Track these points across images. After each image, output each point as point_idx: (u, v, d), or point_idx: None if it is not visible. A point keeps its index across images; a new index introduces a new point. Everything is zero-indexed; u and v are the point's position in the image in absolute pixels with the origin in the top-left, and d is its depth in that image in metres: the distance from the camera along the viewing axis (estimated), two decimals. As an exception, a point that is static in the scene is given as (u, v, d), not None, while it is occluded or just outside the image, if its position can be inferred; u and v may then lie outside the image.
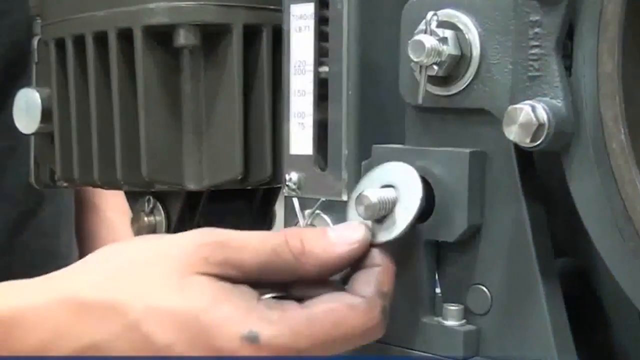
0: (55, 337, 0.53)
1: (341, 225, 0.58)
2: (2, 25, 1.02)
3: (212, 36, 0.71)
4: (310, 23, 0.65)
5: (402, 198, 0.56)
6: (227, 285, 0.52)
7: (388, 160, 0.58)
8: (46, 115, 0.81)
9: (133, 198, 0.80)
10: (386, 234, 0.56)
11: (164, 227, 0.78)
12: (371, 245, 0.56)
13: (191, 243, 0.54)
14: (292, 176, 0.66)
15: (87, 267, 0.56)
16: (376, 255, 0.55)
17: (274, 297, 0.55)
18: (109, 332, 0.52)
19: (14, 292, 0.55)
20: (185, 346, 0.51)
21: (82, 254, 1.14)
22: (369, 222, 0.56)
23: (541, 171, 0.57)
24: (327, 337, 0.52)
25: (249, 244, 0.54)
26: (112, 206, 1.16)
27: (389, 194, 0.56)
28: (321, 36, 0.65)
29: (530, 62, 0.53)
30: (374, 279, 0.54)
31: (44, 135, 0.83)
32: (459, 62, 0.56)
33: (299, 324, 0.52)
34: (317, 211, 0.65)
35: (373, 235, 0.56)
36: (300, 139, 0.66)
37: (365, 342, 0.54)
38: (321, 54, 0.65)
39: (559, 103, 0.52)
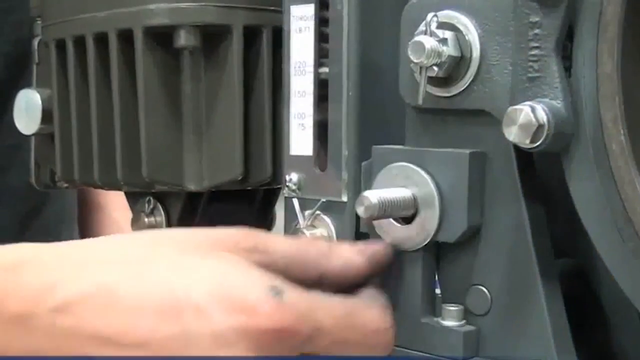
0: (66, 275, 0.51)
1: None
2: (6, 23, 1.02)
3: (212, 37, 0.71)
4: (311, 24, 0.65)
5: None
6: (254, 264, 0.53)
7: (389, 161, 0.59)
8: (46, 116, 0.81)
9: (133, 199, 0.80)
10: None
11: (164, 228, 0.78)
12: None
13: (225, 230, 0.55)
14: (292, 177, 0.66)
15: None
16: None
17: None
18: (125, 274, 0.51)
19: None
20: (205, 294, 0.50)
21: None
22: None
23: (541, 172, 0.57)
24: (345, 321, 0.53)
25: (278, 237, 0.57)
26: (117, 206, 1.16)
27: (393, 194, 0.56)
28: (321, 37, 0.65)
29: (530, 63, 0.53)
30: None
31: (44, 135, 0.83)
32: (458, 63, 0.56)
33: (320, 299, 0.53)
34: (317, 212, 0.65)
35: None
36: (300, 139, 0.66)
37: (377, 342, 0.55)
38: (321, 55, 0.65)
39: (558, 104, 0.52)
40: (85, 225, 1.18)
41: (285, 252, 0.55)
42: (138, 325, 0.50)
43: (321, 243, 0.58)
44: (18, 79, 0.94)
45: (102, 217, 1.18)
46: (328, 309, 0.53)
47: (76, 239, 1.13)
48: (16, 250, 0.54)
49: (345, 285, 0.57)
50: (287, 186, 0.66)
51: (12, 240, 0.99)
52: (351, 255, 0.57)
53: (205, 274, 0.51)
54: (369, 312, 0.55)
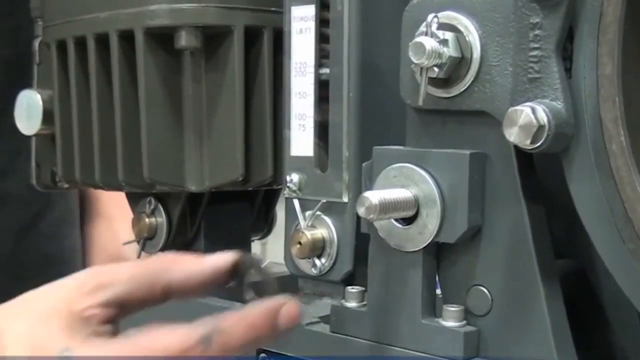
0: None
1: None
2: (5, 28, 1.02)
3: (213, 38, 0.71)
4: (311, 25, 0.65)
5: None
6: (73, 320, 0.56)
7: (389, 162, 0.59)
8: (47, 116, 0.81)
9: (134, 199, 0.80)
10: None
11: (165, 229, 0.78)
12: None
13: (78, 277, 0.59)
14: (293, 177, 0.66)
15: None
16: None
17: None
18: None
19: None
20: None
21: (85, 261, 1.15)
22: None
23: (541, 173, 0.58)
24: (141, 354, 0.54)
25: (122, 266, 0.59)
26: (120, 217, 1.16)
27: (393, 194, 0.57)
28: (322, 38, 0.65)
29: (531, 64, 0.53)
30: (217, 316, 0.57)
31: (45, 136, 0.84)
32: (459, 64, 0.56)
33: (114, 344, 0.55)
34: (318, 212, 0.65)
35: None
36: (301, 140, 0.66)
37: None
38: (322, 56, 0.65)
39: (559, 105, 0.52)
40: (87, 232, 1.18)
41: (127, 278, 0.57)
42: None
43: (164, 258, 0.59)
44: (22, 83, 0.94)
45: (103, 227, 1.18)
46: (122, 350, 0.54)
47: (78, 243, 1.13)
48: None
49: (197, 295, 0.59)
50: (288, 187, 0.66)
51: (15, 245, 0.98)
52: (192, 265, 0.58)
53: (26, 344, 0.56)
54: (169, 336, 0.55)
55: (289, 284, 0.67)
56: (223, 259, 0.58)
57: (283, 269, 0.71)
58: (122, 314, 0.57)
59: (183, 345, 0.54)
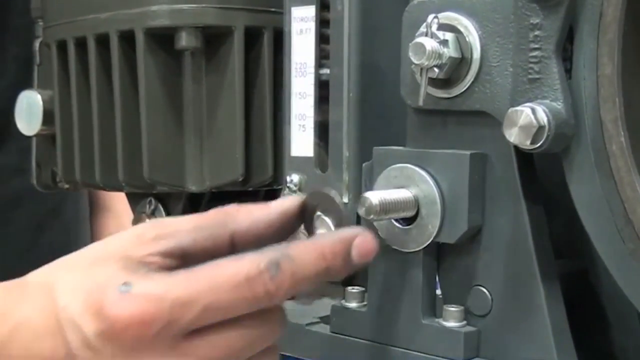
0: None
1: None
2: (25, 22, 1.02)
3: (213, 38, 0.71)
4: (311, 25, 0.65)
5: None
6: (132, 263, 0.54)
7: (390, 162, 0.59)
8: (48, 117, 0.81)
9: (134, 199, 0.80)
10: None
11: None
12: None
13: (126, 233, 0.56)
14: (293, 178, 0.66)
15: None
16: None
17: None
18: (36, 306, 0.55)
19: None
20: (77, 308, 0.53)
21: None
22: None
23: (541, 173, 0.58)
24: (206, 282, 0.52)
25: (182, 217, 0.56)
26: (130, 213, 1.16)
27: (394, 194, 0.57)
28: (322, 38, 0.65)
29: (531, 65, 0.53)
30: (286, 243, 0.54)
31: (45, 136, 0.84)
32: (459, 64, 0.56)
33: (176, 276, 0.53)
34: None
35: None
36: (301, 140, 0.66)
37: (255, 293, 0.52)
38: (322, 56, 0.65)
39: (559, 105, 0.52)
40: (94, 227, 1.18)
41: (190, 228, 0.55)
42: (44, 351, 0.54)
43: (228, 208, 0.56)
44: (30, 82, 0.95)
45: (110, 222, 1.18)
46: (184, 281, 0.52)
47: (89, 239, 1.14)
48: None
49: (265, 243, 0.55)
50: (288, 187, 0.66)
51: (30, 243, 0.98)
52: (257, 212, 0.56)
53: (83, 287, 0.53)
54: (233, 264, 0.52)
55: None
56: (289, 201, 0.56)
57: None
58: (184, 265, 0.53)
59: (250, 272, 0.51)
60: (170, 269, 0.53)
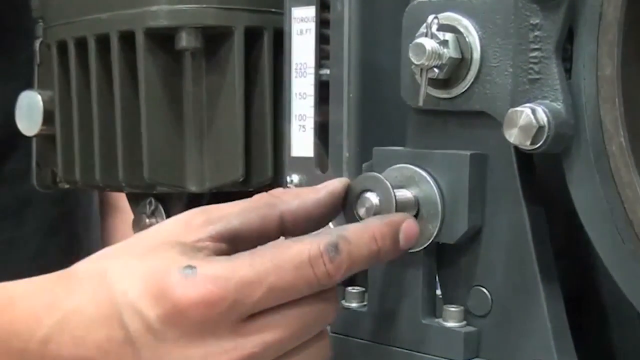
0: (47, 307, 0.55)
1: None
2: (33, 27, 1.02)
3: (213, 39, 0.71)
4: (312, 26, 0.65)
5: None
6: (187, 248, 0.54)
7: (390, 163, 0.59)
8: (48, 117, 0.81)
9: (135, 200, 0.80)
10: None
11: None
12: None
13: (176, 218, 0.57)
14: (294, 178, 0.66)
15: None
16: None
17: None
18: (87, 295, 0.54)
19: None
20: (137, 293, 0.52)
21: None
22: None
23: (541, 173, 0.58)
24: (271, 265, 0.52)
25: (229, 203, 0.57)
26: None
27: (396, 195, 0.57)
28: (322, 39, 0.65)
29: (531, 65, 0.53)
30: (340, 227, 0.55)
31: (45, 137, 0.84)
32: (459, 65, 0.56)
33: (239, 257, 0.53)
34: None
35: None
36: (301, 141, 0.67)
37: (317, 274, 0.53)
38: (322, 57, 0.65)
39: (559, 106, 0.52)
40: (105, 227, 1.18)
41: (238, 211, 0.56)
42: (99, 338, 0.53)
43: (275, 191, 0.58)
44: None
45: (120, 221, 1.18)
46: (248, 262, 0.53)
47: (100, 242, 1.13)
48: (8, 289, 0.57)
49: (313, 225, 0.56)
50: (288, 187, 0.66)
51: (43, 245, 0.98)
52: (306, 193, 0.57)
53: (140, 272, 0.53)
54: (295, 246, 0.53)
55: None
56: (337, 182, 0.57)
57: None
58: (234, 249, 0.54)
59: (312, 253, 0.52)
60: (222, 253, 0.54)
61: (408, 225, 0.55)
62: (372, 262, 0.55)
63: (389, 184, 0.56)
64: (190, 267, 0.52)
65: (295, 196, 0.57)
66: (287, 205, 0.56)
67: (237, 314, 0.52)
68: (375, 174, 0.57)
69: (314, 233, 0.54)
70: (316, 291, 0.54)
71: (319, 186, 0.57)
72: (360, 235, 0.54)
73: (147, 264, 0.53)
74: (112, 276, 0.54)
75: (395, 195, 0.56)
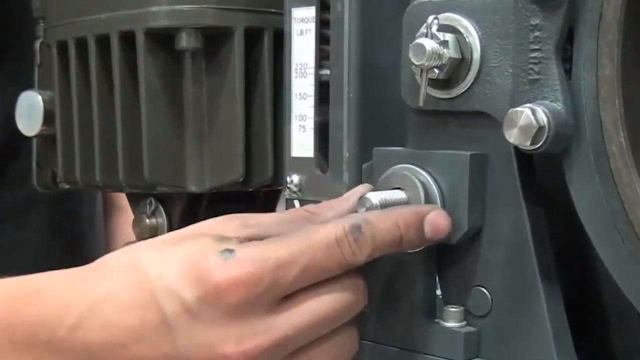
0: (76, 296, 0.55)
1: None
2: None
3: (213, 39, 0.71)
4: (312, 26, 0.65)
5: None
6: (223, 239, 0.55)
7: (390, 163, 0.59)
8: (48, 117, 0.81)
9: (135, 200, 0.80)
10: None
11: (165, 230, 0.78)
12: None
13: (214, 219, 0.58)
14: (294, 178, 0.66)
15: None
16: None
17: None
18: (120, 282, 0.55)
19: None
20: (174, 276, 0.53)
21: None
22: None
23: (541, 173, 0.58)
24: (303, 245, 0.54)
25: (264, 214, 0.59)
26: None
27: (394, 195, 0.57)
28: (322, 39, 0.65)
29: (531, 66, 0.53)
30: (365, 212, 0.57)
31: (46, 137, 0.84)
32: (459, 65, 0.56)
33: (273, 240, 0.55)
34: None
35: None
36: (301, 141, 0.67)
37: (345, 253, 0.54)
38: (322, 57, 0.65)
39: (559, 106, 0.52)
40: (109, 227, 1.18)
41: (274, 221, 0.57)
42: (131, 322, 0.54)
43: (307, 206, 0.60)
44: None
45: (122, 222, 1.18)
46: (282, 244, 0.54)
47: (103, 243, 1.13)
48: (34, 280, 0.58)
49: None
50: (289, 188, 0.66)
51: (47, 245, 0.98)
52: (337, 203, 0.59)
53: (175, 258, 0.54)
54: (322, 228, 0.55)
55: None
56: (365, 188, 0.59)
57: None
58: None
59: (338, 233, 0.54)
60: None
61: (435, 215, 0.56)
62: (395, 248, 0.56)
63: (417, 181, 0.57)
64: (228, 250, 0.53)
65: (328, 208, 0.59)
66: (322, 218, 0.58)
67: (273, 295, 0.54)
68: (405, 172, 0.58)
69: (339, 218, 0.56)
70: (345, 277, 0.56)
71: (348, 195, 0.60)
72: (383, 220, 0.55)
73: (183, 249, 0.54)
74: (147, 263, 0.55)
75: (425, 194, 0.57)
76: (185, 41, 0.70)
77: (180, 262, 0.54)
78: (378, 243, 0.55)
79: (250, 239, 0.55)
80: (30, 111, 0.83)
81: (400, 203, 0.57)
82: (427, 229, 0.56)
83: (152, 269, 0.54)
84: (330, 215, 0.58)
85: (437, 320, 0.59)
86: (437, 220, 0.56)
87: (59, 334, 0.55)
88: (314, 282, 0.55)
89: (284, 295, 0.54)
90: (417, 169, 0.57)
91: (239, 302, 0.53)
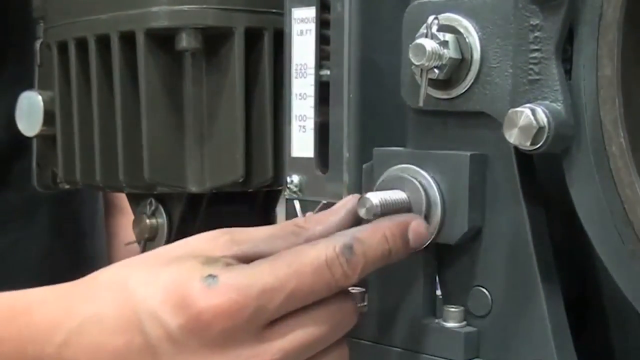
0: (65, 313, 0.55)
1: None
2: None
3: (214, 39, 0.71)
4: (312, 26, 0.65)
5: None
6: (210, 259, 0.55)
7: (390, 163, 0.59)
8: (48, 117, 0.81)
9: (135, 200, 0.80)
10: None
11: (165, 230, 0.78)
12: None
13: (201, 235, 0.57)
14: (294, 179, 0.66)
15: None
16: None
17: None
18: (107, 301, 0.55)
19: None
20: (158, 300, 0.53)
21: (110, 257, 1.15)
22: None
23: (541, 174, 0.58)
24: (289, 268, 0.53)
25: (254, 228, 0.58)
26: None
27: (394, 195, 0.57)
28: (322, 39, 0.65)
29: (531, 66, 0.53)
30: (352, 229, 0.57)
31: (46, 137, 0.84)
32: (459, 65, 0.56)
33: (259, 264, 0.54)
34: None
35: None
36: (301, 141, 0.67)
37: (335, 275, 0.54)
38: (322, 57, 0.65)
39: (558, 106, 0.52)
40: (110, 228, 1.18)
41: (265, 236, 0.57)
42: (117, 345, 0.54)
43: (297, 219, 0.60)
44: None
45: (123, 223, 1.18)
46: (268, 269, 0.53)
47: (104, 244, 1.13)
48: (26, 295, 0.58)
49: None
50: (289, 188, 0.66)
51: (50, 245, 0.98)
52: (326, 216, 0.58)
53: (161, 281, 0.54)
54: (311, 250, 0.54)
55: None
56: (352, 199, 0.58)
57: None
58: None
59: (328, 255, 0.53)
60: None
61: (417, 224, 0.56)
62: (385, 261, 0.56)
63: (417, 182, 0.57)
64: (211, 276, 0.52)
65: (317, 222, 0.58)
66: (311, 232, 0.57)
67: (258, 322, 0.53)
68: (405, 173, 0.58)
69: (329, 237, 0.55)
70: (334, 292, 0.55)
71: (337, 206, 0.59)
72: (372, 235, 0.55)
73: (168, 272, 0.54)
74: (133, 284, 0.54)
75: (425, 194, 0.57)
76: (185, 41, 0.70)
77: (164, 286, 0.53)
78: (369, 260, 0.54)
79: (238, 258, 0.55)
80: (30, 111, 0.83)
81: (401, 203, 0.57)
82: (411, 237, 0.56)
83: (138, 291, 0.54)
84: (318, 230, 0.57)
85: (437, 320, 0.59)
86: (419, 229, 0.56)
87: (48, 351, 0.55)
88: (302, 305, 0.54)
89: (271, 319, 0.53)
90: (417, 169, 0.57)
91: (223, 330, 0.52)
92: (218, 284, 0.52)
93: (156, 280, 0.54)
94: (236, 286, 0.52)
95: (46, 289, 0.57)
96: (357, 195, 0.59)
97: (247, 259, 0.55)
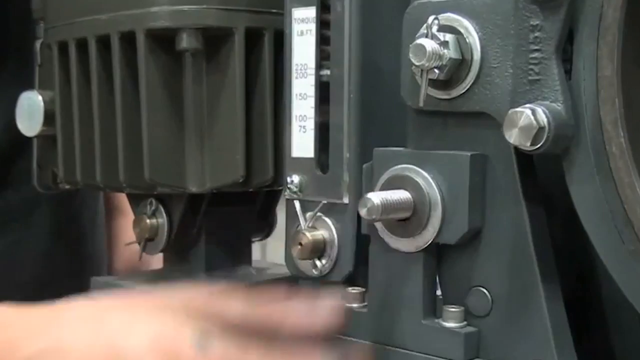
0: (26, 335, 0.55)
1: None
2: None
3: (214, 40, 0.71)
4: (312, 27, 0.65)
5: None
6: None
7: (390, 163, 0.59)
8: (49, 118, 0.81)
9: (135, 201, 0.80)
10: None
11: (165, 230, 0.78)
12: None
13: (186, 295, 0.59)
14: (294, 179, 0.66)
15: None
16: None
17: None
18: (77, 332, 0.55)
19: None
20: (146, 350, 0.54)
21: (110, 257, 1.15)
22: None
23: (541, 174, 0.58)
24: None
25: (235, 297, 0.59)
26: None
27: (395, 195, 0.57)
28: (322, 40, 0.65)
29: (531, 66, 0.53)
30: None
31: (46, 137, 0.84)
32: (459, 65, 0.56)
33: (252, 352, 0.56)
34: (319, 213, 0.65)
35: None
36: (301, 141, 0.67)
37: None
38: (322, 57, 0.65)
39: (559, 106, 0.52)
40: (110, 230, 1.18)
41: (238, 314, 0.58)
42: None
43: (278, 306, 0.60)
44: None
45: (123, 225, 1.18)
46: (260, 350, 0.55)
47: (104, 246, 1.14)
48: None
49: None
50: (289, 188, 0.66)
51: (50, 247, 0.98)
52: (303, 320, 0.59)
53: (148, 331, 0.54)
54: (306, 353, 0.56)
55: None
56: (330, 302, 0.59)
57: (284, 270, 0.71)
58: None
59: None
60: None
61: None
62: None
63: (417, 182, 0.57)
64: (204, 340, 0.54)
65: (293, 320, 0.59)
66: (282, 326, 0.58)
67: None
68: (406, 173, 0.58)
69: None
70: None
71: (320, 312, 0.59)
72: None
73: (156, 321, 0.55)
74: (113, 325, 0.55)
75: (425, 195, 0.57)
76: (185, 42, 0.70)
77: (155, 338, 0.54)
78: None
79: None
80: (30, 111, 0.83)
81: (402, 202, 0.57)
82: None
83: (120, 335, 0.54)
84: (287, 329, 0.58)
85: (437, 320, 0.59)
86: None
87: None
88: None
89: None
90: (418, 169, 0.58)
91: None
92: (209, 351, 0.53)
93: (144, 329, 0.55)
94: (223, 358, 0.54)
95: (14, 310, 0.57)
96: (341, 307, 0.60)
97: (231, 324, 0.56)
